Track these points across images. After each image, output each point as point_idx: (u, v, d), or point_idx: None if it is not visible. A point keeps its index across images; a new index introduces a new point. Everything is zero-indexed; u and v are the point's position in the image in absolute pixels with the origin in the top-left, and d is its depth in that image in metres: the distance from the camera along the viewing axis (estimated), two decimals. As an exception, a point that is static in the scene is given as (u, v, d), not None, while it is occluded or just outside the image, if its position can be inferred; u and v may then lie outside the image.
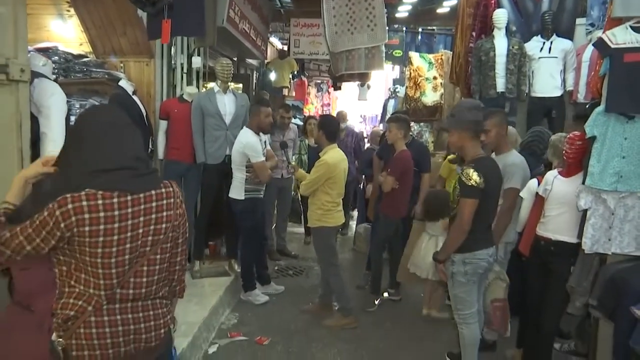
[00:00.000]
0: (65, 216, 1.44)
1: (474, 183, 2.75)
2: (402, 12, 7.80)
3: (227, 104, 4.57)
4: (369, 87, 11.15)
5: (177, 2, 3.44)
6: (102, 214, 1.47)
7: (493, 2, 5.23)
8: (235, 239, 4.82)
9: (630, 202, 2.78)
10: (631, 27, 2.71)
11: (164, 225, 1.64)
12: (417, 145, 5.07)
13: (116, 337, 1.56)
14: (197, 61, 4.97)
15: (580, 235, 2.94)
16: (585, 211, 2.90)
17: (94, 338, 1.53)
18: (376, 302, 4.60)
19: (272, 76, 8.36)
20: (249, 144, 4.21)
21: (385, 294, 4.75)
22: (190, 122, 4.52)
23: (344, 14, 5.71)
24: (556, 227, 3.08)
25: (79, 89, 3.83)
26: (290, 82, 9.35)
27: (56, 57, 3.89)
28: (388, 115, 9.00)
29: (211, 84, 4.98)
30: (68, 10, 4.50)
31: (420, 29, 8.32)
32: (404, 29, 8.30)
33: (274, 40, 9.34)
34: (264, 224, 4.86)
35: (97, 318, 1.53)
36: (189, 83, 5.02)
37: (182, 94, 4.73)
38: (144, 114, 4.20)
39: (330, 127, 4.19)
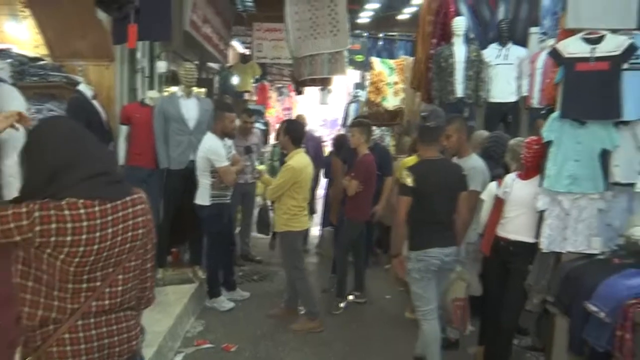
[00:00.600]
0: (45, 220, 1.39)
1: (406, 183, 3.11)
2: (364, 18, 7.93)
3: (190, 109, 4.51)
4: (330, 91, 11.24)
5: (143, 7, 3.38)
6: (85, 223, 1.44)
7: (452, 10, 5.38)
8: (200, 245, 4.76)
9: (583, 203, 2.93)
10: (582, 38, 2.86)
11: (140, 231, 1.63)
12: (380, 149, 5.17)
13: (91, 353, 1.52)
14: (162, 65, 4.90)
15: (537, 235, 3.08)
16: (542, 212, 3.03)
17: (69, 357, 1.48)
18: (342, 305, 4.64)
19: (235, 80, 8.31)
20: (212, 149, 4.18)
21: (351, 297, 4.80)
22: (152, 127, 4.44)
23: (307, 19, 5.75)
24: (515, 228, 3.20)
25: (35, 92, 3.71)
26: (252, 86, 9.32)
27: (10, 60, 3.74)
28: (350, 119, 9.13)
29: (173, 88, 4.91)
30: (22, 11, 4.34)
31: (381, 35, 8.47)
32: (366, 34, 8.43)
33: (236, 44, 9.29)
34: (232, 230, 4.83)
35: (71, 335, 1.48)
36: (151, 87, 4.93)
37: (144, 99, 4.65)
38: (104, 119, 4.09)
39: (296, 131, 4.23)
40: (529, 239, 3.14)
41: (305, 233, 5.04)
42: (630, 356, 2.43)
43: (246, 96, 9.19)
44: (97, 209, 1.47)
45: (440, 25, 5.51)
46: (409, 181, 3.11)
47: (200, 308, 4.48)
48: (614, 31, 2.84)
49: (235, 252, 5.43)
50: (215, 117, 4.40)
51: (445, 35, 5.41)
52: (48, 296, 1.48)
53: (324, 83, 8.32)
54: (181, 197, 4.58)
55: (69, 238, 1.42)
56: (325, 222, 6.59)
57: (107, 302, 1.55)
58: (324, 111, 11.38)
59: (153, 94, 4.66)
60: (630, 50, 2.79)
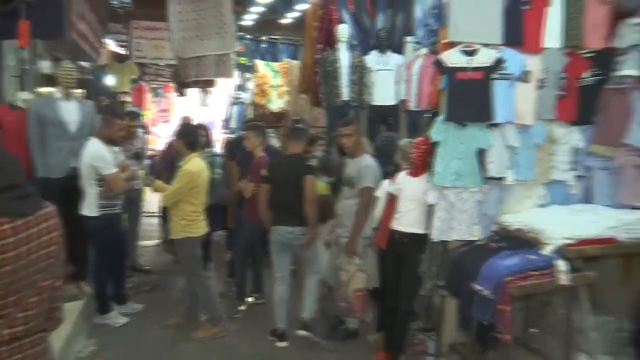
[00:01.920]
0: None
1: (263, 173, 4.02)
2: (248, 20, 7.95)
3: (71, 112, 4.17)
4: (210, 92, 11.04)
5: (35, 2, 3.04)
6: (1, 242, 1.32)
7: (335, 17, 5.64)
8: (85, 258, 4.42)
9: (465, 196, 3.31)
10: (461, 50, 3.24)
11: (53, 248, 1.54)
12: (273, 151, 5.25)
13: None
14: (46, 65, 4.43)
15: (427, 226, 3.41)
16: (431, 206, 3.37)
17: None
18: (242, 308, 4.65)
19: (111, 81, 7.78)
20: (97, 155, 3.93)
21: (250, 299, 4.82)
22: (25, 132, 4.03)
23: (192, 20, 5.62)
24: (408, 221, 3.50)
25: None
26: (129, 87, 8.80)
27: None
28: (234, 122, 9.08)
29: (47, 89, 4.49)
30: None
31: (265, 38, 8.54)
32: (250, 37, 8.45)
33: (110, 42, 8.69)
34: (123, 240, 4.55)
35: None
36: (22, 88, 4.46)
37: (14, 101, 4.18)
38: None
39: (191, 135, 4.16)
40: (420, 230, 3.45)
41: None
42: (509, 325, 2.83)
43: (123, 97, 8.66)
44: (6, 226, 1.36)
45: (325, 31, 5.75)
46: (264, 172, 4.03)
47: (90, 326, 4.17)
48: (486, 45, 3.25)
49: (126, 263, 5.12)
50: (102, 122, 4.12)
51: (330, 41, 5.65)
52: None
53: (207, 85, 8.17)
54: (61, 208, 4.20)
55: None
56: (214, 227, 6.49)
57: (21, 327, 1.44)
58: (204, 113, 11.12)
59: (25, 95, 4.21)
60: (498, 62, 3.23)
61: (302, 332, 4.02)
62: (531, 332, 3.47)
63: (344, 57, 5.49)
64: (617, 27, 3.45)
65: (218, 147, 6.63)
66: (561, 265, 2.89)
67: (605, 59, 3.48)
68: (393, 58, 5.63)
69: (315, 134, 5.37)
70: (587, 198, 3.61)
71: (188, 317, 4.30)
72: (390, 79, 5.60)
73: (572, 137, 3.52)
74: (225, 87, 9.79)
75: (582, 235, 3.04)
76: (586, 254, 3.02)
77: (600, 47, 3.49)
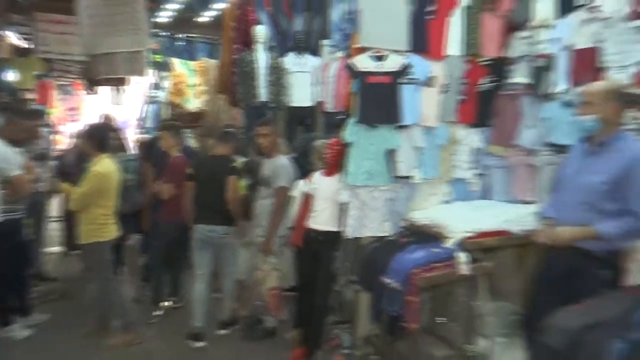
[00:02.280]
0: None
1: (188, 172, 4.15)
2: (163, 17, 7.71)
3: (-35, 109, 3.86)
4: (123, 91, 10.57)
5: None
6: None
7: (252, 18, 5.65)
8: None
9: (376, 195, 3.47)
10: (371, 55, 3.40)
11: None
12: (190, 151, 5.17)
13: None
14: None
15: (341, 224, 3.53)
16: (344, 204, 3.50)
17: None
18: (158, 313, 4.54)
19: (12, 76, 7.22)
20: (1, 156, 3.66)
21: (167, 303, 4.71)
22: None
23: (102, 14, 5.39)
24: (323, 219, 3.61)
25: None
26: (34, 84, 8.21)
27: None
28: (149, 121, 8.77)
29: None
30: None
31: (181, 36, 8.33)
32: (165, 34, 8.20)
33: (11, 34, 8.05)
34: (26, 247, 4.27)
35: None
36: None
37: None
38: None
39: (99, 135, 4.00)
40: (335, 228, 3.57)
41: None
42: (416, 315, 3.01)
43: (26, 95, 8.06)
44: None
45: (242, 31, 5.74)
46: (190, 170, 4.15)
47: (-11, 340, 3.88)
48: (395, 51, 3.44)
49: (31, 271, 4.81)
50: (4, 121, 3.85)
51: (247, 41, 5.65)
52: None
53: (119, 82, 7.84)
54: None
55: None
56: (128, 230, 6.25)
57: None
58: (117, 112, 10.62)
59: None
60: (406, 67, 3.42)
61: (221, 332, 4.03)
62: (437, 320, 3.70)
63: (261, 58, 5.51)
64: (509, 38, 3.79)
65: (132, 149, 6.39)
66: (462, 256, 3.12)
67: (500, 67, 3.81)
68: (310, 60, 5.73)
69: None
70: (486, 194, 3.92)
71: (100, 325, 4.12)
72: (307, 80, 5.69)
73: (472, 138, 3.81)
74: (139, 86, 9.42)
75: (481, 229, 3.31)
76: (484, 246, 3.29)
77: (495, 56, 3.80)
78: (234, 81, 5.75)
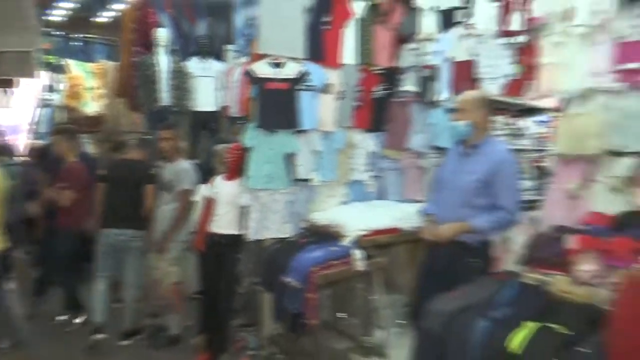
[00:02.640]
0: None
1: (100, 173, 4.11)
2: (57, 16, 7.26)
3: None
4: (11, 93, 9.79)
5: None
6: None
7: (153, 20, 5.53)
8: None
9: (277, 197, 3.59)
10: (269, 62, 3.51)
11: None
12: (88, 157, 4.96)
13: None
14: None
15: (243, 227, 3.60)
16: (245, 207, 3.56)
17: None
18: (77, 321, 4.33)
19: None
20: None
21: (64, 317, 4.46)
22: None
23: (-16, 11, 5.00)
24: (225, 223, 3.65)
25: None
26: None
27: None
28: (42, 125, 8.22)
29: None
30: None
31: (77, 36, 7.89)
32: (59, 34, 7.72)
33: None
34: None
35: None
36: None
37: None
38: None
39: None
40: (237, 231, 3.63)
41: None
42: (316, 311, 3.15)
43: None
44: None
45: (142, 33, 5.60)
46: (101, 172, 4.11)
47: None
48: (293, 59, 3.57)
49: None
50: None
51: (148, 43, 5.53)
52: None
53: (7, 84, 7.26)
54: None
55: None
56: (17, 241, 5.83)
57: None
58: (4, 115, 9.80)
59: None
60: (303, 75, 3.57)
61: (123, 343, 3.91)
62: (338, 316, 3.89)
63: (162, 61, 5.42)
64: (399, 49, 4.08)
65: (21, 154, 5.98)
66: (357, 253, 3.31)
67: (392, 76, 4.09)
68: (214, 65, 5.73)
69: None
70: (382, 195, 4.18)
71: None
72: (212, 85, 5.70)
73: (368, 142, 4.05)
74: (30, 88, 8.79)
75: (375, 227, 3.53)
76: (378, 243, 3.52)
77: (387, 65, 4.08)
78: (134, 84, 5.59)
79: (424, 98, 3.89)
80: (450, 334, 2.23)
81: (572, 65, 3.03)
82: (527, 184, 4.22)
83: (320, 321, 3.41)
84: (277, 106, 3.50)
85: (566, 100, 3.16)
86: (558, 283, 2.29)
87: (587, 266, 2.28)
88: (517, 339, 2.04)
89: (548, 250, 2.52)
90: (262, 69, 3.51)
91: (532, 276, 2.38)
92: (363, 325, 3.67)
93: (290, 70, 3.55)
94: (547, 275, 2.36)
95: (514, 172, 2.80)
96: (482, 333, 2.13)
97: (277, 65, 3.54)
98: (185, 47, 5.86)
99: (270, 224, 3.60)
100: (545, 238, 2.65)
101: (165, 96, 5.41)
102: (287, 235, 3.64)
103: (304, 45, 3.63)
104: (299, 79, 3.57)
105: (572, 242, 2.42)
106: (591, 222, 2.60)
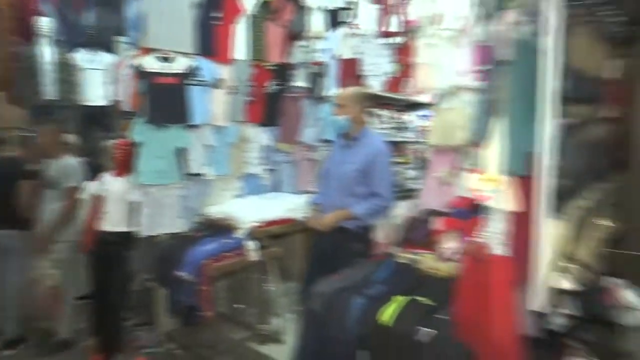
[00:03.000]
0: None
1: None
2: None
3: None
4: None
5: None
6: None
7: (33, 8, 5.19)
8: None
9: (169, 192, 3.57)
10: (158, 57, 3.47)
11: None
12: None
13: None
14: None
15: (135, 224, 3.54)
16: (136, 203, 3.51)
17: None
18: None
19: None
20: None
21: None
22: None
23: None
24: (114, 220, 3.55)
25: None
26: None
27: None
28: None
29: None
30: None
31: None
32: None
33: None
34: None
35: None
36: None
37: None
38: None
39: None
40: (127, 228, 3.56)
41: None
42: (210, 303, 3.21)
43: None
44: None
45: (22, 22, 5.23)
46: None
47: None
48: (183, 54, 3.56)
49: None
50: None
51: (28, 33, 5.17)
52: None
53: None
54: None
55: None
56: None
57: None
58: None
59: None
60: (193, 70, 3.58)
61: (6, 353, 3.68)
62: (236, 307, 3.96)
63: (46, 52, 5.11)
64: (290, 46, 4.22)
65: None
66: (251, 244, 3.41)
67: (284, 72, 4.22)
68: (104, 57, 5.50)
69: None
70: (277, 188, 4.31)
71: None
72: (101, 78, 5.46)
73: (261, 136, 4.14)
74: None
75: (269, 218, 3.65)
76: (271, 233, 3.64)
77: (279, 61, 4.20)
78: (13, 77, 5.20)
79: (314, 93, 4.07)
80: (331, 313, 2.40)
81: (441, 65, 3.34)
82: (412, 173, 4.58)
83: (216, 313, 3.47)
84: (166, 101, 3.49)
85: (438, 96, 3.48)
86: (426, 261, 2.56)
87: (449, 244, 2.57)
88: (388, 312, 2.25)
89: (418, 232, 2.79)
90: (151, 64, 3.47)
91: (405, 256, 2.64)
92: (260, 314, 3.78)
93: (180, 64, 3.54)
94: (417, 254, 2.63)
95: (388, 162, 3.05)
96: (358, 309, 2.33)
97: (166, 59, 3.52)
98: (71, 38, 5.55)
99: (163, 220, 3.58)
100: (416, 221, 2.93)
101: (49, 90, 5.12)
102: (180, 230, 3.64)
103: (193, 40, 3.63)
104: (189, 74, 3.57)
105: (437, 223, 2.70)
106: (456, 206, 2.90)
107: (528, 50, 1.53)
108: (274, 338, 3.65)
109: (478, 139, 1.70)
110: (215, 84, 3.77)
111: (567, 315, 1.80)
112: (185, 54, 3.61)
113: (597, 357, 1.82)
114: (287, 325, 3.68)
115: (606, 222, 2.11)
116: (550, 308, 1.67)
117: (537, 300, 1.64)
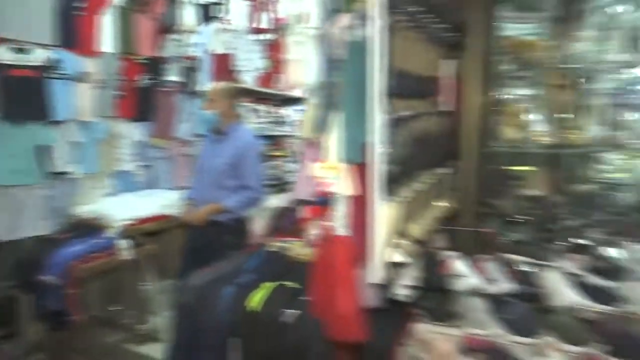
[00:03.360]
0: None
1: None
2: None
3: None
4: None
5: None
6: None
7: None
8: None
9: (31, 193, 3.34)
10: (12, 48, 3.22)
11: None
12: None
13: None
14: None
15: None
16: None
17: None
18: None
19: None
20: None
21: None
22: None
23: None
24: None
25: None
26: None
27: None
28: None
29: None
30: None
31: None
32: None
33: None
34: None
35: None
36: None
37: None
38: None
39: None
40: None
41: None
42: (79, 306, 3.08)
43: None
44: None
45: None
46: None
47: None
48: (41, 45, 3.34)
49: None
50: None
51: None
52: None
53: None
54: None
55: None
56: None
57: None
58: None
59: None
60: (53, 62, 3.38)
61: None
62: (112, 309, 3.83)
63: None
64: (162, 39, 4.14)
65: None
66: (122, 243, 3.33)
67: (156, 66, 4.13)
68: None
69: None
70: (152, 184, 4.22)
71: None
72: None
73: (133, 132, 4.03)
74: None
75: (143, 216, 3.58)
76: (145, 230, 3.58)
77: (150, 55, 4.10)
78: None
79: (188, 88, 4.04)
80: (202, 304, 2.45)
81: (308, 61, 3.51)
82: (290, 166, 4.74)
83: (89, 316, 3.34)
84: (23, 95, 3.25)
85: (308, 91, 3.65)
86: (294, 248, 2.71)
87: (314, 231, 2.74)
88: (256, 298, 2.35)
89: (288, 221, 2.93)
90: (3, 55, 3.22)
91: (275, 244, 2.76)
92: (137, 314, 3.70)
93: (37, 56, 3.33)
94: (286, 242, 2.77)
95: (258, 155, 3.15)
96: (228, 298, 2.40)
97: (22, 50, 3.29)
98: None
99: (25, 222, 3.35)
100: (286, 210, 3.07)
101: None
102: (45, 233, 3.44)
103: (53, 30, 3.43)
104: (49, 67, 3.37)
105: (304, 212, 2.86)
106: (320, 195, 3.09)
107: (359, 51, 1.71)
108: (152, 337, 3.59)
109: (320, 131, 1.86)
110: (80, 78, 3.59)
111: (409, 286, 2.03)
112: (44, 45, 3.40)
113: (436, 321, 2.08)
114: (166, 323, 3.64)
115: (442, 203, 2.40)
116: (389, 280, 1.89)
117: (377, 274, 1.84)
